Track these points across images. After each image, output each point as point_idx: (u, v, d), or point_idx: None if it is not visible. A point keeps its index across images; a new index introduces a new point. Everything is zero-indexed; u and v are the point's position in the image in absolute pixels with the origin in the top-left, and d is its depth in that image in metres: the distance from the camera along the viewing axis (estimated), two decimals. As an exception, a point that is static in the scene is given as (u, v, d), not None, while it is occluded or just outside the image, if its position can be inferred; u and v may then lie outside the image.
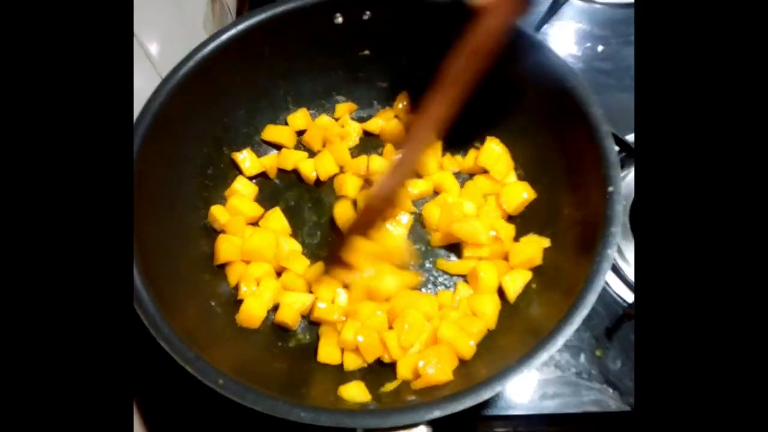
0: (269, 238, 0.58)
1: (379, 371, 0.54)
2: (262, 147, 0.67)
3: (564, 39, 0.80)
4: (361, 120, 0.69)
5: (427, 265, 0.60)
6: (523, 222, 0.61)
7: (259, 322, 0.56)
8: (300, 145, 0.68)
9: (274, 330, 0.57)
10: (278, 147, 0.67)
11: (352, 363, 0.53)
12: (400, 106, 0.68)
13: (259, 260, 0.58)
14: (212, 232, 0.60)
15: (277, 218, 0.61)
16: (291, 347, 0.56)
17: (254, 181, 0.65)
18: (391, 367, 0.53)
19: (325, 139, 0.66)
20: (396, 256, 0.58)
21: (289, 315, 0.55)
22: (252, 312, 0.55)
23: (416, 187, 0.63)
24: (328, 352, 0.54)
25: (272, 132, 0.66)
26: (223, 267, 0.59)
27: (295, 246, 0.60)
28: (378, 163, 0.64)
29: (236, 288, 0.57)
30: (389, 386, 0.51)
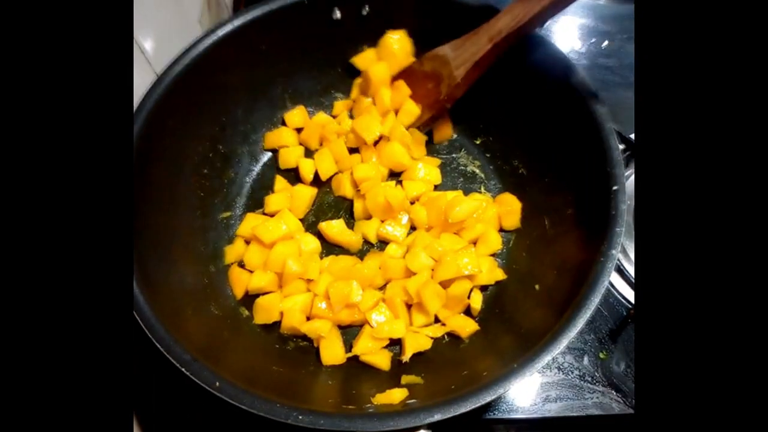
0: (294, 247, 0.58)
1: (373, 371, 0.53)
2: (258, 146, 0.66)
3: (568, 35, 0.79)
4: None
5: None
6: (526, 222, 0.60)
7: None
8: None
9: (272, 334, 0.56)
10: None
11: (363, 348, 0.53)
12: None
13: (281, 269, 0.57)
14: (209, 232, 0.59)
15: (289, 218, 0.60)
16: (289, 350, 0.55)
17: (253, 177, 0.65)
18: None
19: (323, 137, 0.66)
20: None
21: (295, 318, 0.54)
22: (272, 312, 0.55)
23: (414, 189, 0.62)
24: (330, 354, 0.53)
25: (271, 138, 0.65)
26: (224, 270, 0.58)
27: (314, 243, 0.60)
28: (364, 171, 0.62)
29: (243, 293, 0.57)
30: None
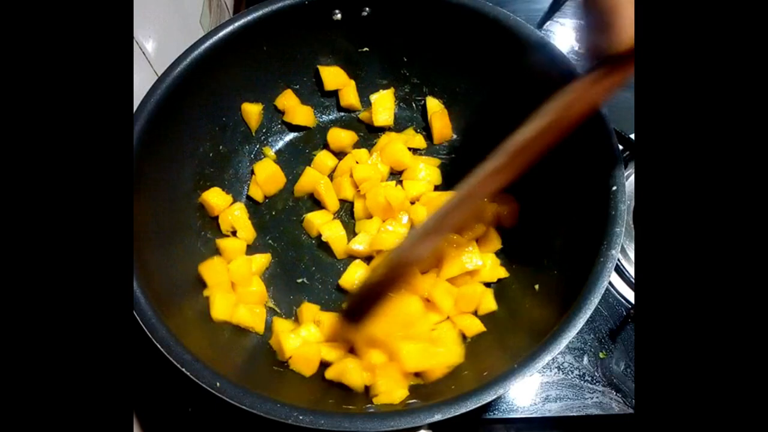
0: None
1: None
2: (258, 146, 0.66)
3: (567, 36, 0.79)
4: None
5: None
6: (525, 222, 0.60)
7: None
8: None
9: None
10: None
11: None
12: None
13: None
14: (209, 232, 0.59)
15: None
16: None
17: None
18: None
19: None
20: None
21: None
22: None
23: (414, 190, 0.62)
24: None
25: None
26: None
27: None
28: (364, 171, 0.62)
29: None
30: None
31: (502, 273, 0.57)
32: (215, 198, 0.59)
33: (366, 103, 0.68)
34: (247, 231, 0.60)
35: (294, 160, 0.66)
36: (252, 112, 0.63)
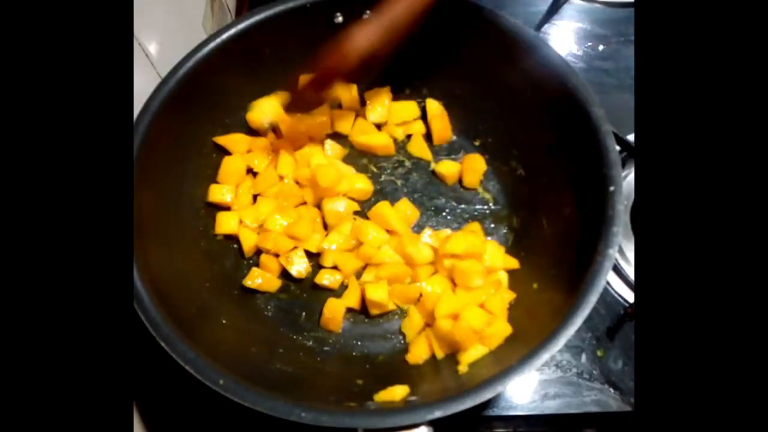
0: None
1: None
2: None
3: (565, 38, 0.79)
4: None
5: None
6: (524, 221, 0.61)
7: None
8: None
9: (276, 330, 0.57)
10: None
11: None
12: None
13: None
14: (211, 230, 0.60)
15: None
16: (296, 345, 0.56)
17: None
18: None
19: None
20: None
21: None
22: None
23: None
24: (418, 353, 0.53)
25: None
26: (227, 270, 0.59)
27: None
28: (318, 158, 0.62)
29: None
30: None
31: (512, 263, 0.57)
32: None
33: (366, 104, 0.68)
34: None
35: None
36: (257, 119, 0.64)
